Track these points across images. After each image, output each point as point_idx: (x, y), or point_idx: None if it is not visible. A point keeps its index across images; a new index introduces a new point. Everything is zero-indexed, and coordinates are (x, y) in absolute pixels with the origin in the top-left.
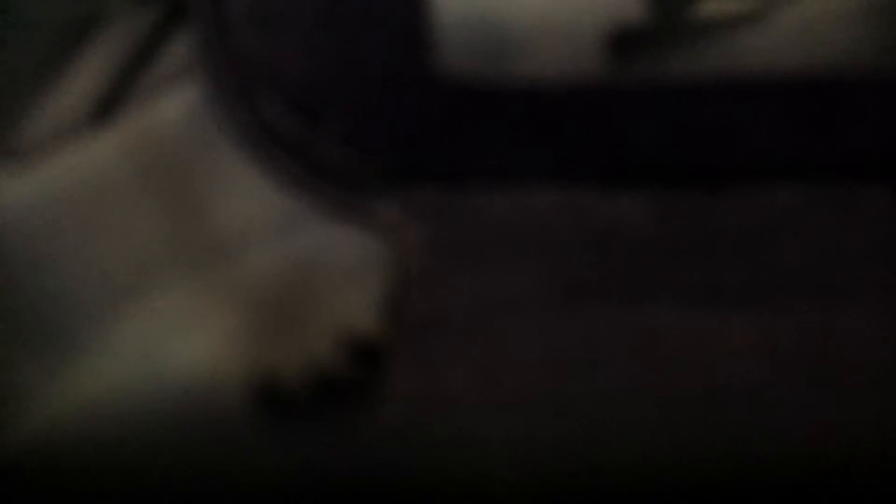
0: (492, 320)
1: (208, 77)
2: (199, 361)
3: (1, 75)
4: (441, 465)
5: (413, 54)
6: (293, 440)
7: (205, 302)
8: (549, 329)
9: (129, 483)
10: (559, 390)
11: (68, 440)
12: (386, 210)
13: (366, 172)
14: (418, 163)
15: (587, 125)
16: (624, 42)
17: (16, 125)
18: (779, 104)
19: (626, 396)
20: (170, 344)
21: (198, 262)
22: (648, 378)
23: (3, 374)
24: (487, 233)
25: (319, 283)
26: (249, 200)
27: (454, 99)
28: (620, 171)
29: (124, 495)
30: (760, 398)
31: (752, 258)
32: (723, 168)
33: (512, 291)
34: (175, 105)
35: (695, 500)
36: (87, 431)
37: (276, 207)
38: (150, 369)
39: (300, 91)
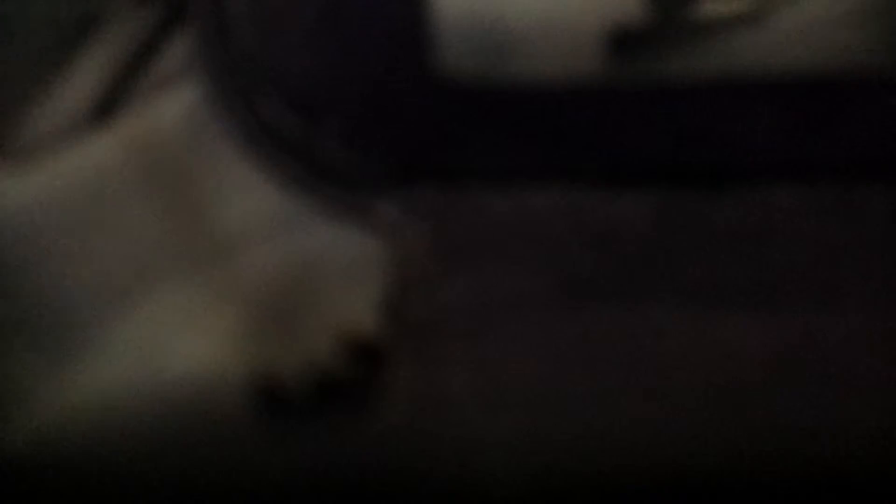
0: (492, 320)
1: (208, 77)
2: (199, 361)
3: (1, 75)
4: (441, 465)
5: (413, 54)
6: (293, 440)
7: (205, 302)
8: (550, 329)
9: (129, 483)
10: (559, 390)
11: (68, 440)
12: (386, 210)
13: (366, 172)
14: (418, 163)
15: (587, 125)
16: (624, 42)
17: (16, 125)
18: (779, 104)
19: (626, 396)
20: (170, 344)
21: (198, 262)
22: (648, 378)
23: (4, 374)
24: (487, 233)
25: (319, 283)
26: (249, 200)
27: (454, 99)
28: (620, 171)
29: (124, 495)
30: (761, 398)
31: (752, 258)
32: (723, 168)
33: (512, 291)
34: (175, 105)
35: (695, 500)
36: (88, 431)
37: (276, 207)
38: (151, 369)
39: (300, 91)
